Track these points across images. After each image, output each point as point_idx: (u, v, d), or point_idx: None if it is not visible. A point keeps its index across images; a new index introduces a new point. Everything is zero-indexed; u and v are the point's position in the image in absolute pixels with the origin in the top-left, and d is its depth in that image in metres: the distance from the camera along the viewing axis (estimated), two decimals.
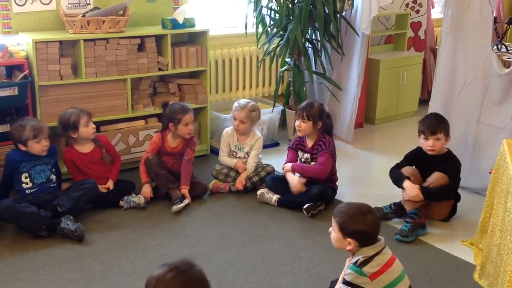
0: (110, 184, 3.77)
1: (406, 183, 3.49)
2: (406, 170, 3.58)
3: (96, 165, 3.78)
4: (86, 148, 3.77)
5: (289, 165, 3.82)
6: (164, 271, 1.76)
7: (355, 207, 2.46)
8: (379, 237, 2.45)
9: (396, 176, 3.58)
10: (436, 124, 3.52)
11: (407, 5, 5.90)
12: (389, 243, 3.25)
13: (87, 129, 3.69)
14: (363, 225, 2.38)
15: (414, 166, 3.62)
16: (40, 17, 4.07)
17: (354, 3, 4.78)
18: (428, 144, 3.54)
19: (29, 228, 3.30)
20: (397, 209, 3.59)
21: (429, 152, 3.55)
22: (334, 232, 2.47)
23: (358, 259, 2.39)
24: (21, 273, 2.95)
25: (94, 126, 3.74)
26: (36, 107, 3.86)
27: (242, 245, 3.29)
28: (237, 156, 4.12)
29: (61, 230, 3.28)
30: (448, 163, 3.53)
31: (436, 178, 3.48)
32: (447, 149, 3.61)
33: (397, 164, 3.67)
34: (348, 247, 2.42)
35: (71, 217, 3.35)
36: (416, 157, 3.65)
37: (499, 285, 2.44)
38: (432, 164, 3.55)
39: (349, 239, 2.40)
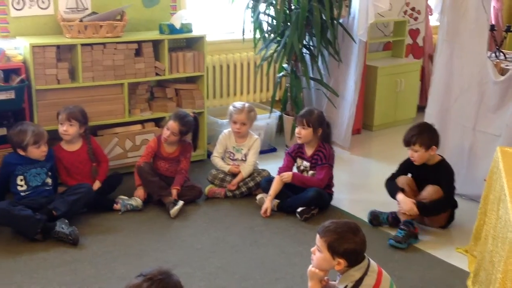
0: (96, 185, 3.77)
1: (400, 197, 3.48)
2: (401, 180, 3.57)
3: (83, 165, 3.79)
4: (73, 146, 3.78)
5: (290, 173, 3.77)
6: (140, 281, 1.76)
7: (344, 225, 2.31)
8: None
9: (391, 188, 3.58)
10: (410, 136, 3.51)
11: (405, 12, 5.93)
12: (383, 250, 3.29)
13: (59, 127, 3.70)
14: (355, 244, 2.26)
15: (406, 174, 3.62)
16: (37, 21, 4.09)
17: (351, 10, 4.80)
18: (408, 154, 3.57)
19: (24, 231, 3.31)
20: (393, 222, 3.56)
21: (414, 162, 3.56)
22: (320, 252, 2.31)
23: (347, 285, 2.28)
24: (15, 276, 2.95)
25: (65, 129, 3.67)
26: (33, 111, 3.87)
27: (236, 250, 3.29)
28: (234, 157, 4.13)
29: (55, 234, 3.29)
30: (441, 174, 3.51)
31: (430, 193, 3.45)
32: (441, 157, 3.60)
33: (393, 174, 3.66)
34: (337, 267, 2.29)
35: (66, 221, 3.35)
36: (409, 166, 3.64)
37: None
38: (424, 174, 3.55)
39: (339, 259, 2.27)
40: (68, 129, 3.69)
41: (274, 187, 3.76)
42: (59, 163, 3.74)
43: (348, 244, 2.26)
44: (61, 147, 3.76)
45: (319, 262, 2.34)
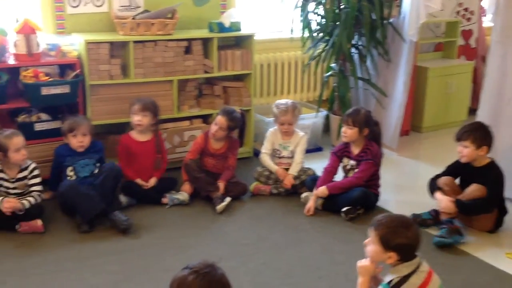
0: (152, 181, 3.85)
1: (437, 195, 3.48)
2: (442, 180, 3.54)
3: (147, 156, 3.88)
4: (143, 137, 3.90)
5: (324, 188, 3.72)
6: (186, 274, 1.78)
7: (397, 219, 2.34)
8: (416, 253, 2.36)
9: (430, 187, 3.58)
10: (463, 131, 3.46)
11: (457, 12, 5.80)
12: (428, 252, 3.24)
13: (133, 117, 3.84)
14: (407, 239, 2.27)
15: (453, 177, 3.56)
16: (92, 18, 4.22)
17: (402, 9, 4.74)
18: (457, 150, 3.50)
19: (84, 211, 3.37)
20: (437, 216, 3.53)
21: (461, 159, 3.50)
22: (373, 245, 2.34)
23: (393, 279, 2.29)
24: (67, 263, 3.06)
25: (140, 119, 3.80)
26: (86, 105, 3.99)
27: (280, 247, 3.31)
28: (281, 155, 4.14)
29: (112, 216, 3.39)
30: (488, 176, 3.43)
31: (471, 190, 3.41)
32: (491, 159, 3.51)
33: (437, 175, 3.63)
34: (389, 261, 2.30)
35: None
36: (458, 168, 3.58)
37: None
38: (473, 175, 3.48)
39: (390, 253, 2.28)
40: (142, 119, 3.82)
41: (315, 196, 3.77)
42: (123, 151, 3.86)
43: (401, 238, 2.27)
44: (130, 136, 3.89)
45: (371, 254, 2.37)
